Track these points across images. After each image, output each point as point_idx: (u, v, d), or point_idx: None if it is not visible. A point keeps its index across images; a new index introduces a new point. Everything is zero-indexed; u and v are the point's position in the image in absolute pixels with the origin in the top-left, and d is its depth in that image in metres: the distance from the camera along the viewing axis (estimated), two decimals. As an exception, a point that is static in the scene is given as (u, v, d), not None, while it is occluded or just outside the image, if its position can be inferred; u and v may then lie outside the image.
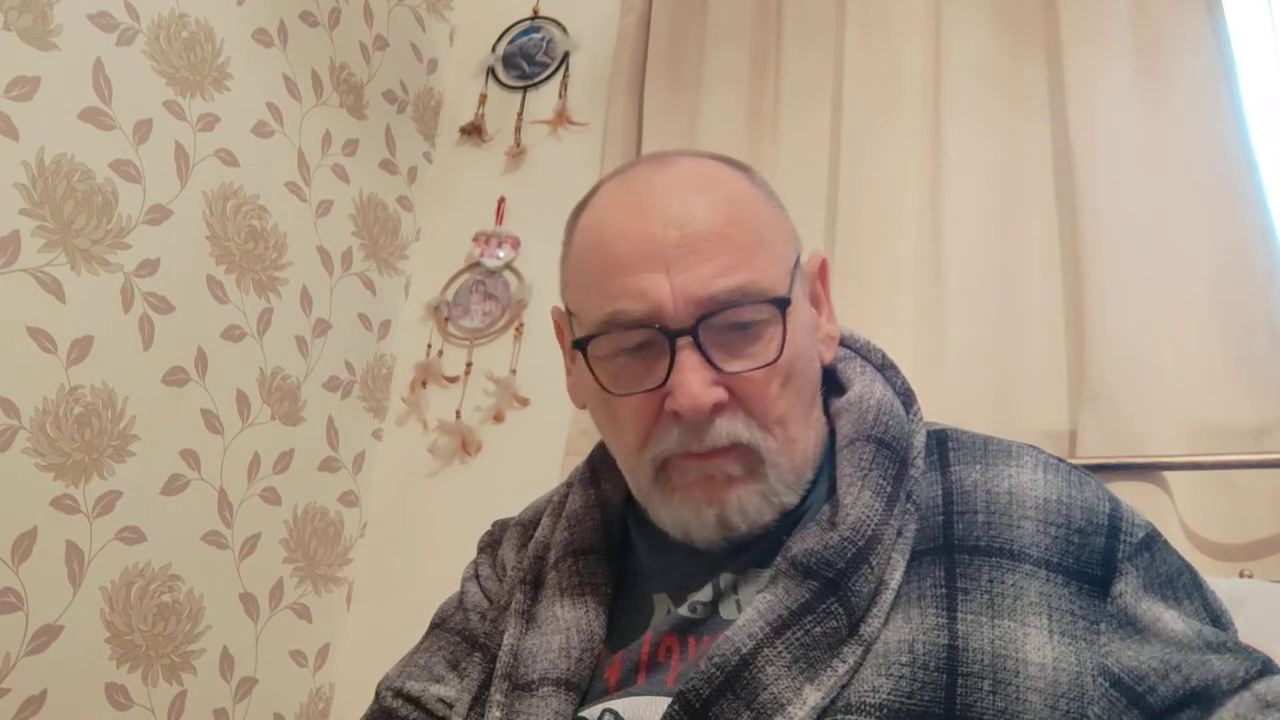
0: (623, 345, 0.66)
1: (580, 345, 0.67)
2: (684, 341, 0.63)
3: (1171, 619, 0.60)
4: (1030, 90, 1.55)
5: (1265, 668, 0.58)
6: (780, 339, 0.64)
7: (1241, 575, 1.17)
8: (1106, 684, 0.57)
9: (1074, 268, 1.41)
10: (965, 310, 1.45)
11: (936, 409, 1.35)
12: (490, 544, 0.85)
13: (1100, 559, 0.61)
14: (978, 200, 1.50)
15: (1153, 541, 0.63)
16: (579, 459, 0.81)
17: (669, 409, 0.64)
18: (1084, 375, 1.35)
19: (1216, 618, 0.63)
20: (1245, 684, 0.57)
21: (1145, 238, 1.37)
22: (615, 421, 0.68)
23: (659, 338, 0.63)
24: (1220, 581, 1.10)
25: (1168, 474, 1.27)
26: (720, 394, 0.63)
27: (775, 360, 0.64)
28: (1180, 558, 0.64)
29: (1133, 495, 1.23)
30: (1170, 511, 1.26)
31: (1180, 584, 0.63)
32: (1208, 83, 1.40)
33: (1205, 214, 1.36)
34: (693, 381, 0.62)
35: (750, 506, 0.65)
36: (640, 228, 0.65)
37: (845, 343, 0.76)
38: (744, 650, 0.57)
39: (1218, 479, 1.27)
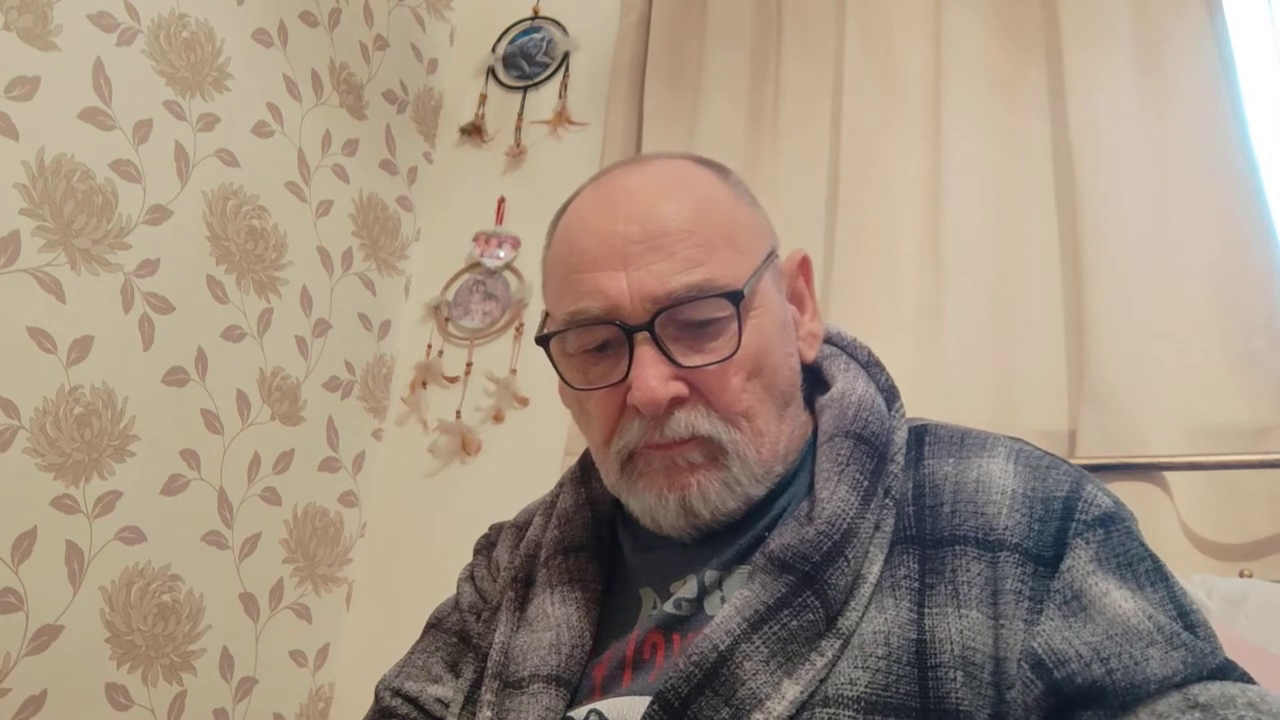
0: (587, 343, 0.67)
1: (542, 342, 0.69)
2: (641, 337, 0.64)
3: (1122, 597, 0.57)
4: (1030, 91, 1.55)
5: (1216, 672, 0.54)
6: (738, 334, 0.64)
7: (1241, 575, 1.17)
8: (1027, 667, 0.56)
9: (1074, 268, 1.41)
10: (965, 310, 1.45)
11: (936, 408, 1.35)
12: (486, 546, 0.85)
13: (1053, 540, 0.60)
14: (978, 201, 1.50)
15: (1110, 521, 0.61)
16: (577, 459, 0.82)
17: (630, 403, 0.65)
18: (1084, 375, 1.35)
19: (1184, 614, 0.58)
20: (1181, 685, 0.53)
21: (1145, 238, 1.37)
22: (587, 417, 0.70)
23: (619, 335, 0.65)
24: (1220, 581, 1.10)
25: (1168, 474, 1.27)
26: (679, 388, 0.64)
27: (733, 355, 0.64)
28: (1144, 545, 0.61)
29: (1133, 495, 1.23)
30: (1170, 511, 1.26)
31: (1141, 569, 0.59)
32: (1208, 83, 1.40)
33: (1205, 214, 1.36)
34: (649, 376, 0.63)
35: (711, 492, 0.65)
36: (605, 225, 0.67)
37: (832, 340, 0.76)
38: (721, 647, 0.58)
39: (1217, 479, 1.27)
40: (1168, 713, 0.52)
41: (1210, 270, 1.34)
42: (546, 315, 0.72)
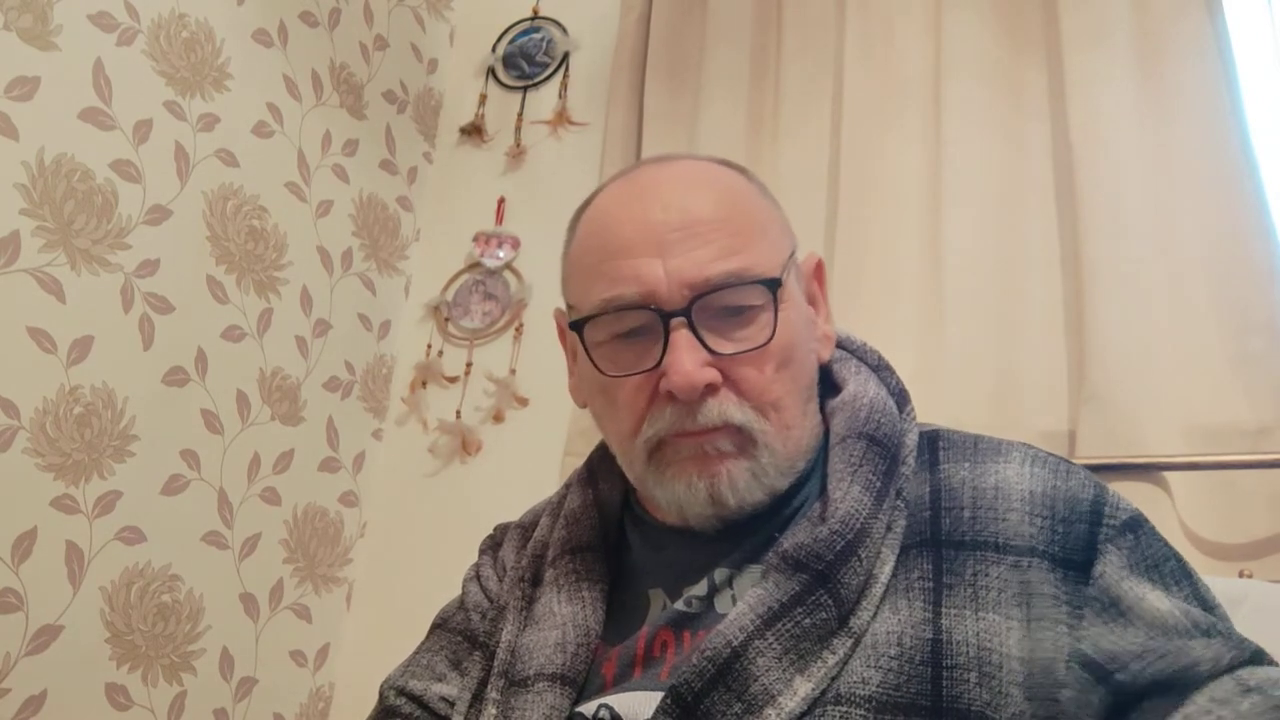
0: (618, 329, 0.67)
1: (577, 327, 0.69)
2: (677, 322, 0.64)
3: (1157, 599, 0.58)
4: (1031, 92, 1.55)
5: (1255, 657, 0.56)
6: (773, 322, 0.65)
7: (1241, 575, 1.17)
8: (1078, 666, 0.57)
9: (1074, 268, 1.41)
10: (965, 310, 1.45)
11: (936, 409, 1.35)
12: (492, 546, 0.85)
13: (1083, 544, 0.61)
14: (978, 201, 1.50)
15: (1137, 525, 0.63)
16: (578, 460, 0.82)
17: (663, 389, 0.65)
18: (1084, 375, 1.35)
19: (1209, 608, 0.60)
20: (1230, 669, 0.54)
21: (1145, 238, 1.37)
22: (613, 407, 0.69)
23: (654, 321, 0.65)
24: (1220, 581, 1.10)
25: (1168, 474, 1.27)
26: (713, 374, 0.64)
27: (768, 343, 0.65)
28: (1167, 545, 0.63)
29: (1133, 495, 1.23)
30: (1170, 511, 1.26)
31: (1167, 569, 0.61)
32: (1208, 84, 1.40)
33: (1205, 214, 1.36)
34: (686, 360, 0.63)
35: (740, 481, 0.65)
36: (640, 213, 0.67)
37: (842, 344, 0.77)
38: (735, 643, 0.58)
39: (1217, 479, 1.27)
40: (1226, 698, 0.52)
41: (1210, 270, 1.34)
42: (570, 309, 0.72)
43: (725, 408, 0.64)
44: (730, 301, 0.65)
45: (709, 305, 0.64)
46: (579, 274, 0.71)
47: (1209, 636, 0.56)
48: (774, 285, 0.65)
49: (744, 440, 0.65)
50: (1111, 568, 0.60)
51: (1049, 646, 0.58)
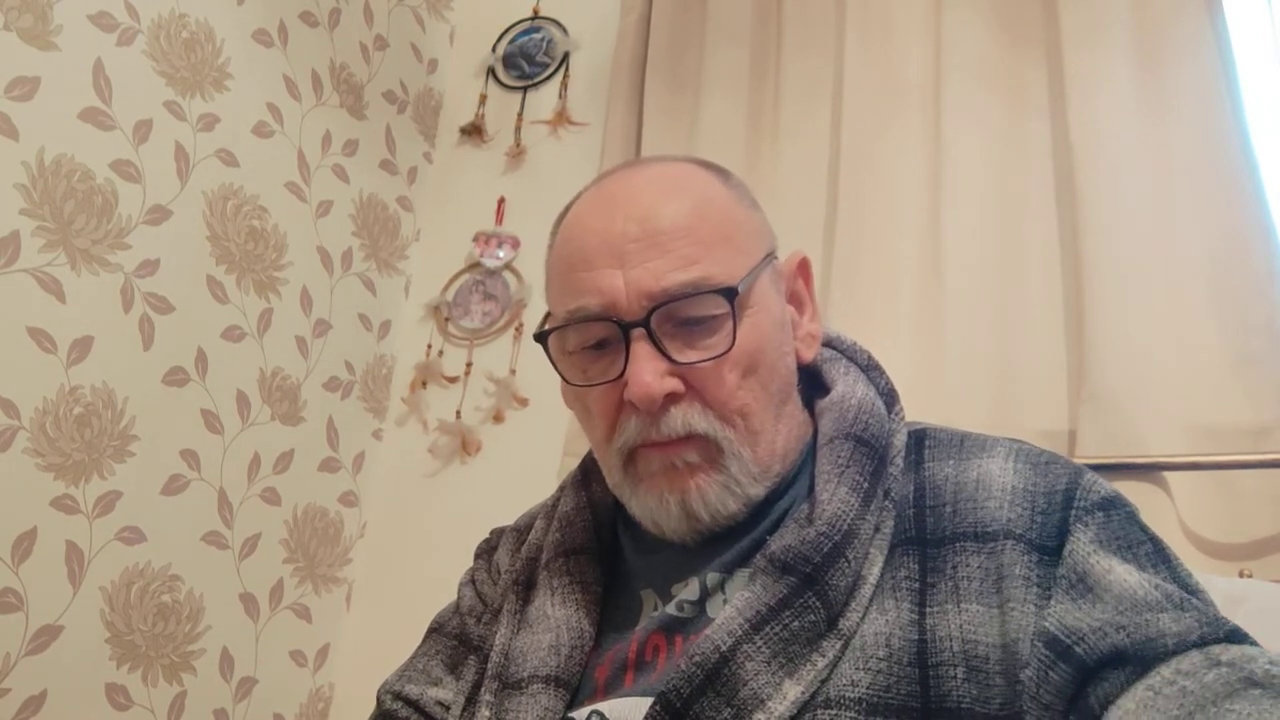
0: (586, 340, 0.68)
1: (540, 339, 0.70)
2: (637, 333, 0.64)
3: (1126, 572, 0.56)
4: (1031, 91, 1.55)
5: (1231, 635, 0.53)
6: (733, 331, 0.65)
7: (1241, 575, 1.17)
8: (1041, 644, 0.55)
9: (1074, 268, 1.41)
10: (965, 310, 1.45)
11: (936, 409, 1.35)
12: (487, 550, 0.86)
13: (1055, 530, 0.60)
14: (978, 201, 1.50)
15: (1110, 505, 0.61)
16: (577, 460, 0.82)
17: (626, 399, 0.65)
18: (1084, 375, 1.35)
19: (1190, 589, 0.58)
20: (1200, 644, 0.52)
21: (1145, 238, 1.37)
22: (587, 414, 0.71)
23: (616, 332, 0.65)
24: (1220, 581, 1.10)
25: (1168, 474, 1.27)
26: (674, 384, 0.65)
27: (728, 351, 0.65)
28: (1145, 529, 0.61)
29: (1133, 495, 1.22)
30: (1170, 511, 1.26)
31: (1142, 551, 0.59)
32: (1208, 84, 1.40)
33: (1205, 214, 1.36)
34: (644, 371, 0.63)
35: (711, 495, 0.65)
36: (604, 224, 0.67)
37: (832, 343, 0.77)
38: (723, 648, 0.58)
39: (1217, 479, 1.27)
40: (1192, 670, 0.50)
41: (1210, 270, 1.34)
42: (548, 315, 0.73)
43: (689, 417, 0.65)
44: (690, 312, 0.65)
45: (670, 315, 0.65)
46: (553, 283, 0.73)
47: (1181, 609, 0.54)
48: (731, 295, 0.64)
49: (711, 451, 0.65)
50: (1080, 544, 0.59)
51: (1015, 628, 0.57)
